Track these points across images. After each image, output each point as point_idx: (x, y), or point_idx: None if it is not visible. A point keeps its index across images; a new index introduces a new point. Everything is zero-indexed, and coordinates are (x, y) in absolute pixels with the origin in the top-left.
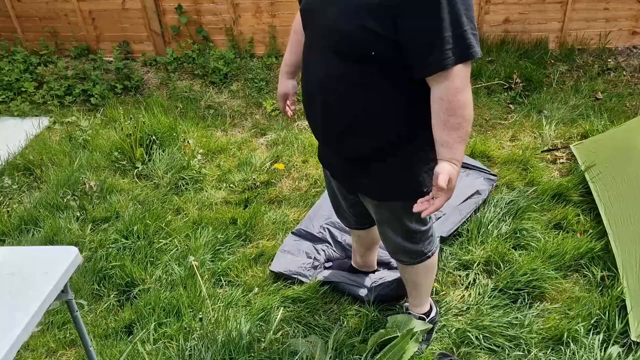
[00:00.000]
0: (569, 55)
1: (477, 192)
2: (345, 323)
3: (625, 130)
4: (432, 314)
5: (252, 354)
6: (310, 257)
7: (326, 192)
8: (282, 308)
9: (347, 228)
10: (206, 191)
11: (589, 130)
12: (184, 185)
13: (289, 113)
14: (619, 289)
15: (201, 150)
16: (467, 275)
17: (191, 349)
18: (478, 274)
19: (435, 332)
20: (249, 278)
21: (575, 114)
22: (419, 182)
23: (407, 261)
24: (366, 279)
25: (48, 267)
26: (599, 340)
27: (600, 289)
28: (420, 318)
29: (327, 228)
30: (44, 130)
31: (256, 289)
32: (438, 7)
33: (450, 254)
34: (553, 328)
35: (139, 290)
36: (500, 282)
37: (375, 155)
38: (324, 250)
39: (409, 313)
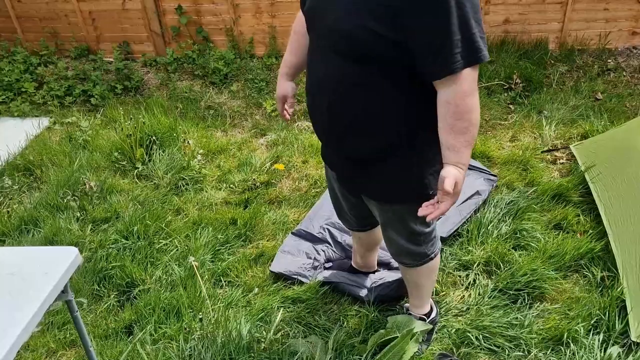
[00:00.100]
0: (568, 55)
1: (477, 193)
2: (345, 323)
3: (625, 131)
4: (433, 315)
5: (252, 354)
6: (310, 258)
7: (326, 192)
8: (282, 308)
9: (348, 229)
10: (206, 191)
11: (589, 131)
12: (184, 186)
13: (287, 116)
14: (619, 290)
15: (201, 151)
16: (467, 275)
17: (191, 350)
18: (478, 275)
19: (435, 332)
20: (249, 278)
21: (575, 115)
22: (424, 184)
23: (410, 263)
24: (366, 279)
25: (48, 267)
26: (599, 341)
27: (600, 289)
28: (420, 319)
29: (327, 228)
30: (44, 131)
31: (256, 290)
32: (446, 10)
33: (450, 254)
34: (553, 328)
35: (139, 291)
36: (500, 283)
37: (376, 156)
38: (324, 251)
39: (409, 314)
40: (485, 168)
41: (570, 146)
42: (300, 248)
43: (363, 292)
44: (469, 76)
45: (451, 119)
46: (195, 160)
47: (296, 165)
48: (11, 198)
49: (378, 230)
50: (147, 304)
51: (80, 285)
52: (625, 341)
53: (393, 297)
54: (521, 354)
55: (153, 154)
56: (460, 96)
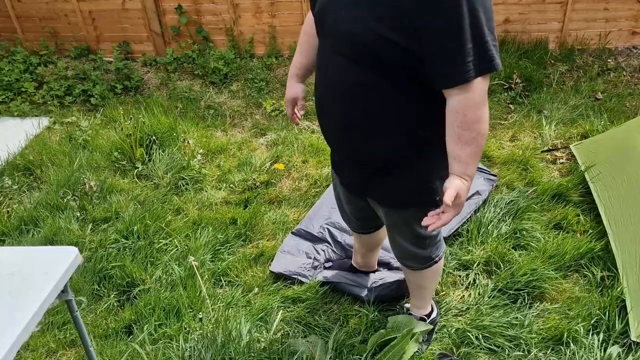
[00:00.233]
0: (569, 55)
1: (477, 193)
2: (345, 323)
3: (625, 131)
4: (433, 315)
5: (252, 354)
6: (310, 257)
7: (326, 192)
8: (282, 308)
9: (349, 229)
10: (206, 191)
11: (589, 131)
12: (184, 186)
13: (296, 120)
14: (619, 289)
15: (201, 151)
16: (467, 275)
17: (191, 349)
18: (478, 274)
19: (435, 332)
20: (249, 278)
21: (575, 114)
22: (431, 190)
23: (414, 266)
24: (366, 279)
25: (48, 267)
26: (598, 341)
27: (600, 289)
28: (421, 319)
29: (327, 228)
30: (44, 131)
31: (256, 289)
32: (460, 18)
33: (450, 254)
34: (553, 328)
35: (139, 291)
36: (500, 282)
37: (383, 161)
38: (323, 251)
39: (410, 314)
40: (485, 168)
41: (570, 146)
42: (300, 248)
43: (363, 292)
44: (479, 85)
45: (459, 129)
46: (195, 160)
47: (296, 165)
48: (11, 198)
49: (380, 232)
50: (147, 303)
51: (80, 285)
52: (625, 341)
53: (393, 297)
54: (521, 353)
55: (153, 153)
56: (469, 106)
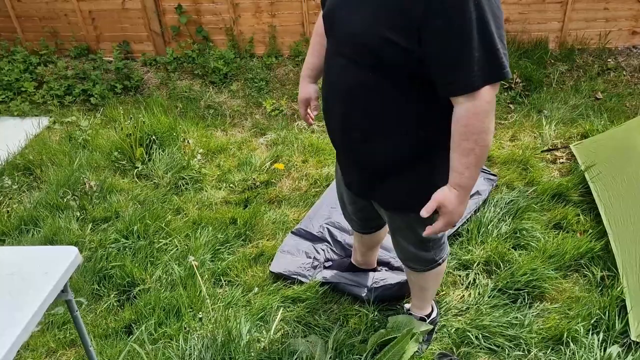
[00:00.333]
0: (569, 55)
1: (477, 192)
2: (345, 323)
3: (625, 130)
4: (433, 315)
5: (252, 354)
6: (309, 257)
7: (326, 192)
8: (281, 308)
9: (349, 229)
10: (206, 191)
11: (589, 130)
12: (183, 185)
13: (310, 121)
14: (618, 289)
15: (201, 150)
16: (467, 275)
17: (191, 349)
18: (478, 274)
19: (435, 332)
20: (248, 278)
21: (575, 114)
22: (432, 191)
23: (417, 268)
24: (366, 279)
25: (48, 267)
26: (598, 340)
27: (600, 289)
28: (421, 319)
29: (327, 228)
30: (43, 130)
31: (256, 289)
32: (469, 25)
33: (450, 253)
34: (553, 328)
35: (139, 290)
36: (500, 282)
37: (388, 164)
38: (323, 250)
39: (410, 314)
40: (485, 167)
41: (570, 145)
42: (299, 247)
43: (363, 292)
44: (486, 94)
45: (458, 138)
46: (195, 159)
47: (296, 165)
48: (11, 198)
49: (381, 232)
50: (147, 303)
51: (80, 285)
52: (625, 341)
53: (394, 297)
54: (521, 353)
55: (153, 153)
56: (475, 113)
